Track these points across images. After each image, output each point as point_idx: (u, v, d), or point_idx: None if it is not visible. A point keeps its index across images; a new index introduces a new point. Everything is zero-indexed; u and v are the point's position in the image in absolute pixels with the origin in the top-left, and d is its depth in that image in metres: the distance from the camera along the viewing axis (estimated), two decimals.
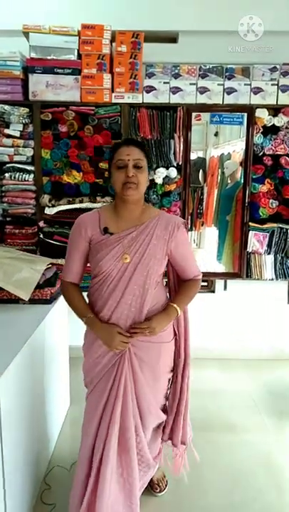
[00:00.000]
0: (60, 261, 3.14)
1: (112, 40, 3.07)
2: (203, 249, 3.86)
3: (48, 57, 3.03)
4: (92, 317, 1.74)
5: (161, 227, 1.73)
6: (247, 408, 2.96)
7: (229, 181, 3.73)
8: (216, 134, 3.80)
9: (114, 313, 1.72)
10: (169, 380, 1.95)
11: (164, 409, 1.98)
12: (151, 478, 2.11)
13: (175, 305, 1.78)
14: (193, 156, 3.55)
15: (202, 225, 3.84)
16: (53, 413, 2.47)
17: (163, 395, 1.93)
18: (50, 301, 2.42)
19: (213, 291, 3.61)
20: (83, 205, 3.13)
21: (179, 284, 1.90)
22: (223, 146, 3.79)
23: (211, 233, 3.88)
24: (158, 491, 2.14)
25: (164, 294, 1.84)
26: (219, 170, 3.81)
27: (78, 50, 3.04)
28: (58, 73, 3.03)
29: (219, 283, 3.58)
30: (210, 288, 3.65)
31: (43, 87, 3.05)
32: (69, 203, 3.13)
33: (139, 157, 1.68)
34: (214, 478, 2.28)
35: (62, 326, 2.69)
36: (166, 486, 2.18)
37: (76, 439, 2.55)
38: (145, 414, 1.82)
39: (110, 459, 1.71)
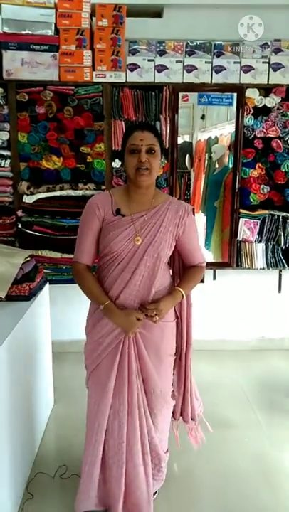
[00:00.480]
0: (41, 252, 2.98)
1: (92, 13, 2.85)
2: None
3: (23, 32, 2.81)
4: (110, 304, 1.73)
5: (172, 212, 1.76)
6: (238, 402, 2.86)
7: (217, 166, 3.59)
8: (203, 117, 3.67)
9: (122, 293, 1.74)
10: (172, 365, 1.94)
11: (172, 396, 1.99)
12: None
13: (180, 289, 1.82)
14: (179, 140, 3.40)
15: None
16: (35, 414, 2.32)
17: (168, 380, 1.93)
18: (29, 297, 2.25)
19: (202, 281, 3.45)
20: (64, 193, 2.95)
21: (184, 270, 1.93)
22: (210, 130, 3.66)
23: (198, 220, 3.75)
24: None
25: (168, 277, 1.87)
26: (206, 154, 3.67)
27: (55, 25, 2.82)
28: (34, 50, 2.82)
29: (208, 273, 3.44)
30: None
31: (18, 65, 2.82)
32: (49, 190, 2.94)
33: (152, 142, 1.67)
34: (207, 478, 2.17)
35: (43, 322, 2.53)
36: (155, 492, 2.06)
37: (62, 440, 2.45)
38: (151, 396, 1.83)
39: (137, 441, 1.78)
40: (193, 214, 1.82)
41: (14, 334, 1.89)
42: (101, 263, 1.80)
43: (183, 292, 1.82)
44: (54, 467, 2.19)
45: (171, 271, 1.92)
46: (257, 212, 3.13)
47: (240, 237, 3.16)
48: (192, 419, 2.06)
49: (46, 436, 2.47)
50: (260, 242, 3.18)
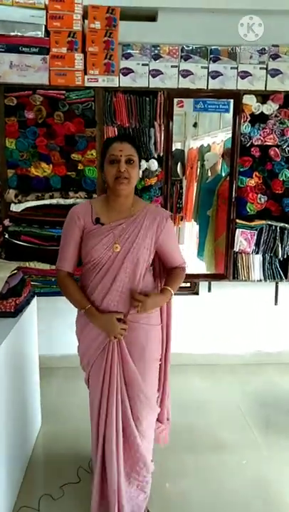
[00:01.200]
0: (29, 264, 2.84)
1: (85, 16, 2.74)
2: (183, 245, 3.65)
3: (12, 34, 2.68)
4: (90, 308, 1.79)
5: (150, 219, 1.82)
6: (235, 421, 2.73)
7: (209, 174, 3.51)
8: (195, 125, 3.60)
9: (104, 299, 1.79)
10: (157, 370, 1.96)
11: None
12: None
13: (169, 287, 1.85)
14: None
15: (181, 219, 3.63)
16: (21, 437, 2.17)
17: (154, 385, 1.94)
18: (16, 313, 2.11)
19: (197, 293, 3.36)
20: (54, 201, 2.82)
21: (166, 272, 1.98)
22: (203, 138, 3.58)
23: (190, 228, 3.66)
24: None
25: (151, 281, 1.92)
26: (199, 162, 3.59)
27: (46, 26, 2.70)
28: (23, 52, 2.69)
29: (203, 284, 3.33)
30: (193, 290, 3.39)
31: (7, 68, 2.70)
32: (38, 198, 2.81)
33: (130, 153, 1.76)
34: (204, 503, 2.05)
35: (30, 339, 2.39)
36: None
37: (50, 465, 2.30)
38: (136, 402, 1.84)
39: (113, 446, 1.79)
40: (171, 219, 1.90)
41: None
42: (83, 271, 1.87)
43: (172, 291, 1.85)
44: (41, 495, 2.05)
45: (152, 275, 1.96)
46: (254, 223, 3.03)
47: (236, 248, 3.05)
48: (167, 419, 2.11)
49: (33, 461, 2.32)
50: (257, 253, 3.08)
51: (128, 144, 1.77)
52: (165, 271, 1.98)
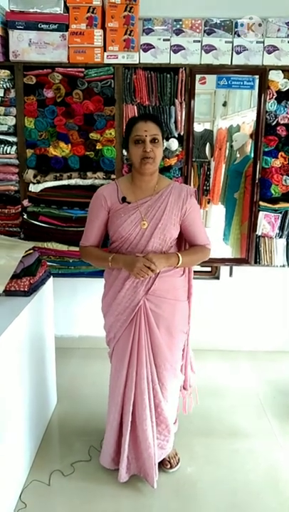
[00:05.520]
0: (47, 245, 2.84)
1: None
2: (210, 228, 3.56)
3: (31, 10, 2.64)
4: (115, 255, 1.84)
5: (175, 195, 1.87)
6: (252, 409, 2.68)
7: (238, 155, 3.37)
8: (225, 104, 3.45)
9: (131, 275, 1.83)
10: (183, 341, 2.04)
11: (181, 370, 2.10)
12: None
13: (179, 253, 1.86)
14: (199, 128, 3.22)
15: (208, 202, 3.53)
16: (35, 416, 2.20)
17: (178, 354, 2.03)
18: (29, 292, 2.12)
19: (218, 278, 3.29)
20: (72, 182, 2.79)
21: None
22: (232, 117, 3.43)
23: (218, 211, 3.56)
24: (169, 467, 2.13)
25: None
26: (227, 143, 3.45)
27: (65, 2, 2.64)
28: (42, 29, 2.65)
29: (224, 269, 3.25)
30: (214, 274, 3.32)
31: (26, 46, 2.67)
32: (56, 178, 2.79)
33: (155, 132, 1.80)
34: (212, 494, 2.01)
35: (45, 318, 2.40)
36: (177, 463, 2.15)
37: (62, 442, 2.33)
38: (161, 369, 1.93)
39: (145, 409, 1.90)
40: (195, 197, 1.91)
41: (10, 331, 1.77)
42: (112, 247, 1.92)
43: (180, 256, 1.84)
44: (52, 471, 2.09)
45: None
46: (278, 205, 2.91)
47: (259, 232, 2.94)
48: (184, 388, 2.18)
49: (47, 437, 2.37)
50: (280, 237, 2.96)
51: (152, 123, 1.80)
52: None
